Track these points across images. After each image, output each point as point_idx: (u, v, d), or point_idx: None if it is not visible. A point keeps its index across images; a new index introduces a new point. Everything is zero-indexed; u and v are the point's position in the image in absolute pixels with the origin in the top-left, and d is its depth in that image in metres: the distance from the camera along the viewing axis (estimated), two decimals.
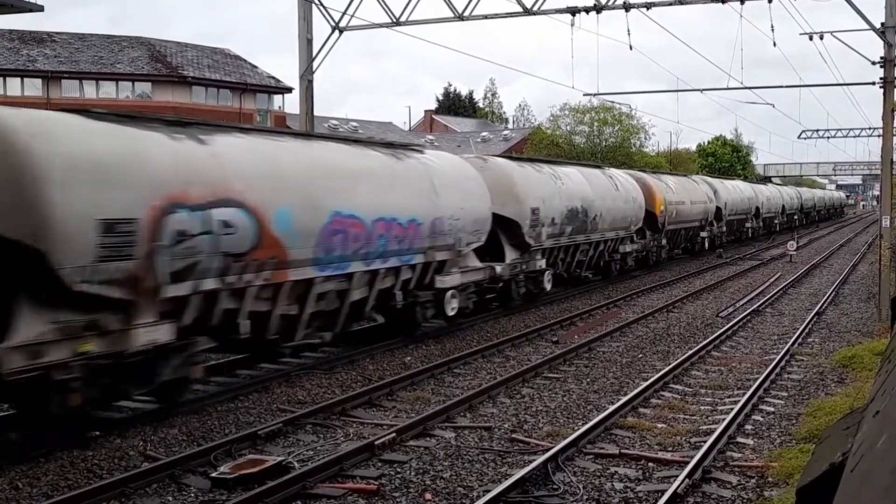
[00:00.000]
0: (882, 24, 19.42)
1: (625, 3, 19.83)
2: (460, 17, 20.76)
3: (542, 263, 20.83)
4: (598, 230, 24.36)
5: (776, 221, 55.77)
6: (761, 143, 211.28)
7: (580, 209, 22.74)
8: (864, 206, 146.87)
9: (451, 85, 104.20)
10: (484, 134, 73.05)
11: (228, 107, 47.40)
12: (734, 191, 43.58)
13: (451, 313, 16.58)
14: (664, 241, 31.47)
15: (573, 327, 18.52)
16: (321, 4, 21.41)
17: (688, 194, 34.22)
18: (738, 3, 19.78)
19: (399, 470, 8.88)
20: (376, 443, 9.40)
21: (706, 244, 37.85)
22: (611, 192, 25.40)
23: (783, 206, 58.52)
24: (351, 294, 13.73)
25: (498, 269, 18.60)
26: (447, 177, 16.60)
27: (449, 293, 16.36)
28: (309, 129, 21.71)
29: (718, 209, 38.78)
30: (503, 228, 19.52)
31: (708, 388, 12.78)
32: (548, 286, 21.39)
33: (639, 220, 28.03)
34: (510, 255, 19.67)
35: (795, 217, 65.35)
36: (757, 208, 48.42)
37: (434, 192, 15.77)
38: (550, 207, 20.94)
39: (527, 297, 20.70)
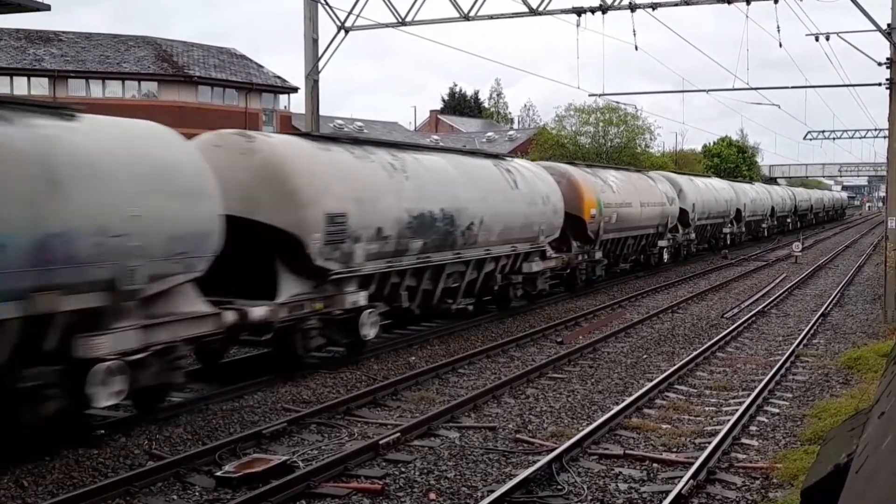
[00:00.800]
0: (888, 25, 19.38)
1: (630, 3, 19.83)
2: (466, 18, 20.79)
3: (358, 298, 13.87)
4: (478, 244, 17.36)
5: (763, 226, 49.99)
6: (767, 144, 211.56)
7: (440, 214, 15.85)
8: (869, 207, 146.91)
9: (456, 85, 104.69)
10: (489, 134, 73.13)
11: (234, 106, 47.45)
12: (707, 190, 37.30)
13: (104, 403, 9.26)
14: (599, 255, 24.51)
15: (577, 328, 18.52)
16: (327, 4, 21.45)
17: (637, 194, 27.37)
18: (744, 3, 19.76)
19: (403, 470, 8.89)
20: (381, 442, 9.40)
21: (665, 256, 30.75)
22: (502, 190, 18.55)
23: (772, 207, 52.80)
24: None
25: (256, 313, 11.83)
26: (98, 162, 9.37)
27: (102, 368, 9.09)
28: (314, 128, 21.71)
29: (683, 212, 32.59)
30: (280, 248, 12.91)
31: (713, 389, 12.77)
32: (370, 332, 14.18)
33: (554, 229, 21.01)
34: (290, 288, 12.82)
35: (788, 220, 59.52)
36: (738, 210, 42.37)
37: (50, 190, 8.69)
38: (375, 212, 14.13)
39: (350, 349, 14.31)
